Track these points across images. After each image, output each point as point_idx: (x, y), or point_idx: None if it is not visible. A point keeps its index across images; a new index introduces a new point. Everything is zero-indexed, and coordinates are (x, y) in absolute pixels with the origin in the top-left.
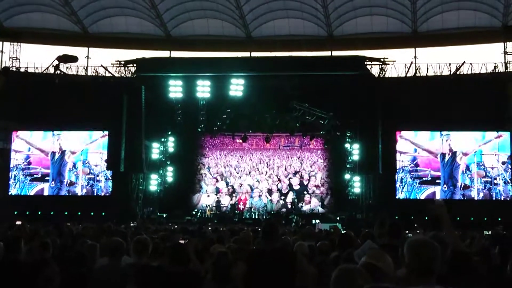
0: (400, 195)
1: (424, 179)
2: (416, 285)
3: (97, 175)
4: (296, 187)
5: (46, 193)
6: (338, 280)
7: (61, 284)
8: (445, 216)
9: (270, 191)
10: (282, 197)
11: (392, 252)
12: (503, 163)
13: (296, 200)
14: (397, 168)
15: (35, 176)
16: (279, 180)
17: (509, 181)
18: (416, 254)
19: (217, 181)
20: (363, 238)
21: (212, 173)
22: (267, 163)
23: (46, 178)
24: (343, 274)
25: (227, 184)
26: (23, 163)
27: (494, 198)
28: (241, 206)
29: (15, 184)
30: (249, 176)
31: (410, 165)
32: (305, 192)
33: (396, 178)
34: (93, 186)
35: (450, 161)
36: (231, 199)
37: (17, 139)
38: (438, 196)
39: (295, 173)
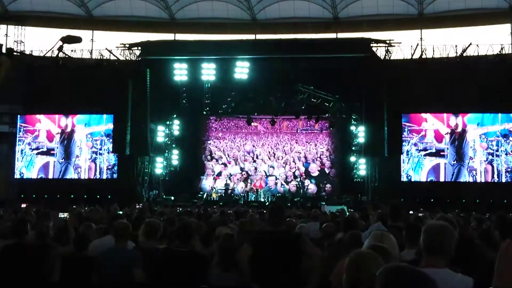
0: (405, 166)
1: (429, 151)
2: (427, 267)
3: (100, 149)
4: (316, 173)
5: (51, 167)
6: (351, 265)
7: (68, 267)
8: None
9: (287, 178)
10: (301, 185)
11: (396, 233)
12: (505, 135)
13: (317, 189)
14: (403, 147)
15: (41, 150)
16: (298, 167)
17: (511, 153)
18: (432, 238)
19: (229, 165)
20: (377, 219)
21: (226, 156)
22: (283, 147)
23: (52, 152)
24: (356, 259)
25: (241, 169)
26: (30, 136)
27: (496, 169)
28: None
29: (22, 158)
30: (263, 162)
31: (416, 137)
32: (326, 180)
33: (401, 160)
34: (96, 160)
35: (459, 136)
36: (246, 186)
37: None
38: (442, 169)
39: (314, 159)
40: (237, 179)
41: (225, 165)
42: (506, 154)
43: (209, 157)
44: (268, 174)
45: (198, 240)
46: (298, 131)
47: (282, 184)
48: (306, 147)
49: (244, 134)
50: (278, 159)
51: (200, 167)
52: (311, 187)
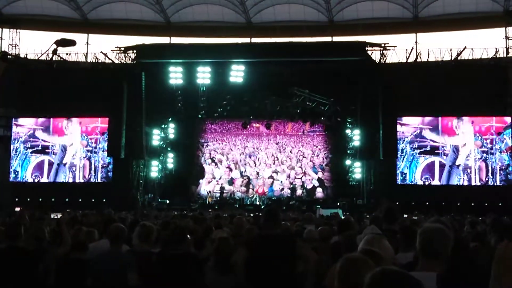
0: (401, 165)
1: (424, 149)
2: (424, 270)
3: (95, 147)
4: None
5: (46, 166)
6: (343, 269)
7: (62, 270)
8: None
9: (293, 184)
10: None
11: (390, 237)
12: (499, 133)
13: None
14: (398, 145)
15: (35, 148)
16: (304, 173)
17: (505, 151)
18: (429, 241)
19: (230, 170)
20: (370, 222)
21: (227, 161)
22: (290, 151)
23: (47, 150)
24: (347, 263)
25: (241, 174)
26: (24, 135)
27: (490, 167)
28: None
29: (16, 157)
30: (266, 166)
31: (410, 135)
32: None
33: (396, 164)
34: (91, 158)
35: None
36: (247, 191)
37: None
38: (436, 167)
39: (324, 165)
40: (239, 184)
41: (230, 169)
42: (500, 152)
43: (209, 161)
44: (272, 179)
45: (192, 243)
46: (305, 133)
47: (287, 191)
48: (313, 150)
49: (245, 136)
50: (282, 163)
51: (196, 171)
52: (319, 194)
